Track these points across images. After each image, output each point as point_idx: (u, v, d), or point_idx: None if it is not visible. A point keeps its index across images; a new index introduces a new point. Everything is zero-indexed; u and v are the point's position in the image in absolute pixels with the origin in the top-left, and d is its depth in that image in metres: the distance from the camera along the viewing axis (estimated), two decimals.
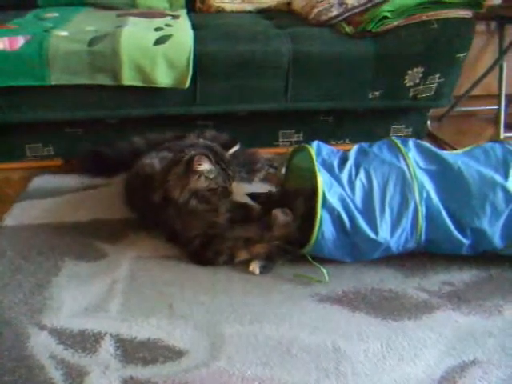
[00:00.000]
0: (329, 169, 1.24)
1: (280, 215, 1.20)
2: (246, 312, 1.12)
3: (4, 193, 1.64)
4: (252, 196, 1.34)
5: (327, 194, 1.15)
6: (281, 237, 1.22)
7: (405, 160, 1.24)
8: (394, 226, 1.18)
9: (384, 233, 1.17)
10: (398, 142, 1.30)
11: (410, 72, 1.74)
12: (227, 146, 1.34)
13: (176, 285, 1.20)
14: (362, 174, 1.22)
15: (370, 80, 1.75)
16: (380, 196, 1.19)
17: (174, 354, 1.02)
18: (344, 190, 1.19)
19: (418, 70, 1.74)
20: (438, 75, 1.76)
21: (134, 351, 1.02)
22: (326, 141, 1.46)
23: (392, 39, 1.71)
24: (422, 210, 1.18)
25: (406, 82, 1.76)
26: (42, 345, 1.03)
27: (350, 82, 1.75)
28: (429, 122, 2.05)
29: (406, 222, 1.18)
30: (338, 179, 1.21)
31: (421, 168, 1.24)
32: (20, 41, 1.59)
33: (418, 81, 1.76)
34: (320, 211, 1.14)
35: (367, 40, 1.71)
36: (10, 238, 1.37)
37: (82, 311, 1.12)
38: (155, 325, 1.09)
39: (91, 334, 1.06)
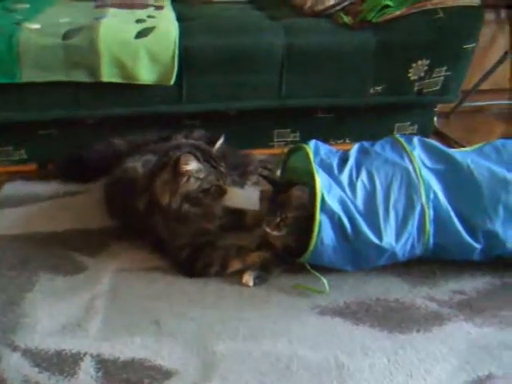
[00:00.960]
0: (328, 170, 1.25)
1: (297, 192, 1.19)
2: (240, 327, 1.13)
3: None
4: (264, 177, 1.33)
5: (326, 197, 1.17)
6: (293, 221, 1.21)
7: (410, 159, 1.26)
8: (400, 231, 1.19)
9: (388, 238, 1.18)
10: (402, 139, 1.32)
11: (414, 65, 1.77)
12: (212, 142, 1.35)
13: (163, 299, 1.20)
14: (363, 175, 1.23)
15: (372, 74, 1.77)
16: (383, 198, 1.20)
17: (161, 375, 1.01)
18: (344, 192, 1.21)
19: (423, 63, 1.76)
20: (444, 68, 1.78)
21: (116, 373, 1.02)
22: (325, 140, 1.48)
23: (394, 30, 1.73)
24: (429, 213, 1.20)
25: (410, 75, 1.79)
26: (14, 367, 1.02)
27: (349, 77, 1.77)
28: (435, 119, 2.07)
29: (412, 226, 1.20)
30: (338, 181, 1.22)
31: (427, 167, 1.26)
32: None
33: (423, 74, 1.79)
34: (319, 215, 1.15)
35: (367, 31, 1.74)
36: None
37: (59, 330, 1.12)
38: (140, 343, 1.08)
39: (69, 354, 1.05)
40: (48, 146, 1.78)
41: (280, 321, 1.15)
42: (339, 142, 1.95)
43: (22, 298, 1.20)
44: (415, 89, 1.82)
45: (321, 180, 1.18)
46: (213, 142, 1.35)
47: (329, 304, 1.20)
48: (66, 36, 1.60)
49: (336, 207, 1.17)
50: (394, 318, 1.16)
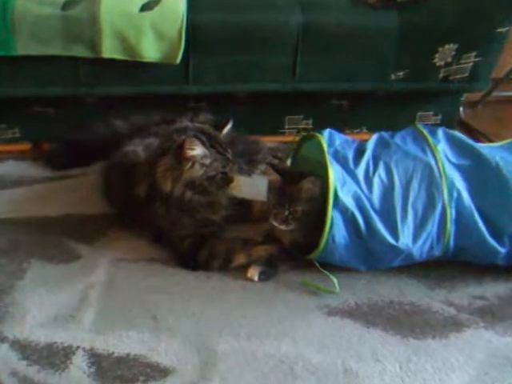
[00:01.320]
0: (342, 162, 1.24)
1: (307, 185, 1.19)
2: (243, 325, 1.13)
3: None
4: (272, 166, 1.31)
5: (339, 192, 1.16)
6: (302, 215, 1.20)
7: (433, 153, 1.25)
8: (418, 231, 1.19)
9: (405, 238, 1.17)
10: (426, 131, 1.31)
11: (440, 49, 1.74)
12: (219, 127, 1.35)
13: (162, 292, 1.21)
14: (381, 169, 1.23)
15: (393, 58, 1.75)
16: (402, 195, 1.20)
17: (157, 372, 1.03)
18: (359, 187, 1.20)
19: (451, 47, 1.74)
20: (474, 53, 1.76)
21: (110, 368, 1.03)
22: (340, 129, 1.47)
23: (420, 10, 1.71)
24: (451, 213, 1.19)
25: (435, 60, 1.77)
26: (1, 360, 1.04)
27: (369, 60, 1.76)
28: (461, 109, 2.05)
29: (432, 226, 1.19)
30: (353, 174, 1.22)
31: (451, 163, 1.24)
32: None
33: (449, 59, 1.76)
34: (331, 211, 1.15)
35: (391, 11, 1.71)
36: None
37: (51, 321, 1.13)
38: (136, 338, 1.10)
39: (60, 347, 1.07)
40: (43, 125, 1.79)
41: (285, 320, 1.15)
42: (355, 131, 1.94)
43: (12, 285, 1.22)
44: (441, 75, 1.80)
45: (334, 173, 1.18)
46: (220, 127, 1.35)
47: (338, 304, 1.20)
48: (65, 6, 1.59)
49: (350, 203, 1.16)
50: (409, 322, 1.16)
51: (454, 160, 1.25)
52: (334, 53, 1.73)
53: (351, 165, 1.24)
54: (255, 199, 1.45)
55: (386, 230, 1.17)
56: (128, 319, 1.14)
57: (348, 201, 1.16)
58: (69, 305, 1.17)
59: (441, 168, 1.22)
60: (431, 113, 1.96)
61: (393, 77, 1.79)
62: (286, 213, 1.21)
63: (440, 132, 1.31)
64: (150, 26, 1.61)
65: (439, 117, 1.96)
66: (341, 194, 1.16)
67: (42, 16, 1.58)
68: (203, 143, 1.24)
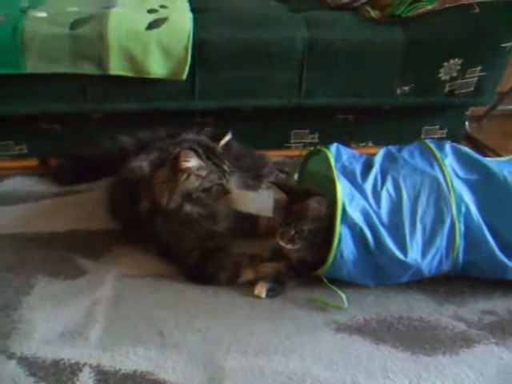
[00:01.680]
0: (350, 177, 1.25)
1: (313, 204, 1.18)
2: (251, 341, 1.13)
3: None
4: (277, 184, 1.30)
5: (347, 207, 1.16)
6: (309, 234, 1.19)
7: (440, 168, 1.25)
8: (427, 246, 1.18)
9: (414, 253, 1.17)
10: (433, 145, 1.31)
11: (445, 64, 1.76)
12: (217, 138, 1.36)
13: (168, 308, 1.21)
14: (389, 184, 1.23)
15: (399, 73, 1.77)
16: (410, 210, 1.20)
17: None
18: (368, 202, 1.20)
19: (456, 62, 1.75)
20: (479, 68, 1.77)
21: None
22: (346, 143, 1.48)
23: (425, 26, 1.72)
24: (459, 227, 1.19)
25: (440, 75, 1.78)
26: (9, 376, 1.04)
27: (374, 76, 1.77)
28: (467, 123, 2.06)
29: (441, 241, 1.19)
30: (361, 189, 1.22)
31: (459, 177, 1.24)
32: None
33: (455, 74, 1.78)
34: (339, 227, 1.14)
35: (396, 26, 1.73)
36: None
37: (57, 337, 1.13)
38: (143, 355, 1.09)
39: (67, 364, 1.07)
40: (50, 142, 1.81)
41: (293, 336, 1.15)
42: (361, 144, 1.94)
43: (19, 301, 1.22)
44: (446, 90, 1.81)
45: (342, 188, 1.18)
46: (218, 139, 1.36)
47: (347, 320, 1.19)
48: (73, 25, 1.63)
49: (358, 218, 1.16)
50: (418, 338, 1.15)
51: (461, 174, 1.25)
52: (340, 68, 1.74)
53: (359, 179, 1.24)
54: (261, 214, 1.45)
55: (395, 245, 1.17)
56: (134, 335, 1.14)
57: (356, 216, 1.16)
58: (75, 321, 1.17)
59: (449, 182, 1.22)
60: (437, 127, 1.96)
61: (398, 91, 1.80)
62: (292, 232, 1.20)
63: (447, 146, 1.32)
64: (156, 43, 1.64)
65: (445, 131, 1.97)
66: (349, 209, 1.16)
67: (51, 35, 1.61)
68: (198, 155, 1.25)
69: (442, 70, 1.77)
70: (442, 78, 1.78)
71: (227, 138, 1.37)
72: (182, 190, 1.25)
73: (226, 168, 1.29)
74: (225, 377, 1.04)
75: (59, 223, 1.51)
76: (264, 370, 1.06)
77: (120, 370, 1.06)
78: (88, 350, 1.10)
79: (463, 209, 1.20)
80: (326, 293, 1.23)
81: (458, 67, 1.76)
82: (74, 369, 1.06)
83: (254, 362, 1.08)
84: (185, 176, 1.24)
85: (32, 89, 1.67)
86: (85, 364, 1.07)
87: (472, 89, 1.81)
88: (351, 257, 1.17)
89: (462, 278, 1.29)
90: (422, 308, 1.24)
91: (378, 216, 1.18)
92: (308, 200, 1.19)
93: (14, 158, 1.83)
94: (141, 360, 1.08)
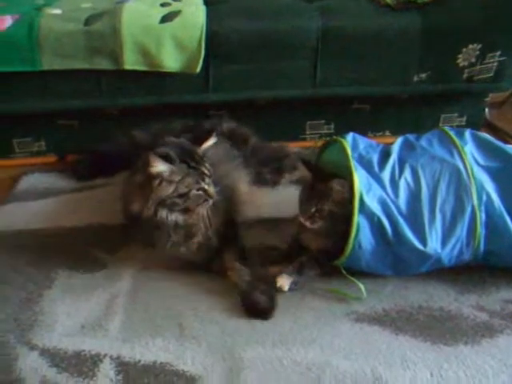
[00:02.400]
0: (367, 166, 1.23)
1: (337, 187, 1.18)
2: (270, 332, 1.13)
3: None
4: (304, 162, 1.30)
5: (365, 197, 1.15)
6: (329, 215, 1.19)
7: (460, 155, 1.23)
8: (447, 236, 1.17)
9: (434, 243, 1.16)
10: (452, 133, 1.29)
11: (464, 49, 1.73)
12: (199, 141, 1.26)
13: (186, 300, 1.22)
14: (407, 173, 1.21)
15: (416, 60, 1.74)
16: (429, 199, 1.18)
17: (184, 380, 1.03)
18: (385, 191, 1.19)
19: (475, 47, 1.72)
20: (498, 53, 1.73)
21: (137, 376, 1.04)
22: (362, 133, 1.45)
23: (442, 11, 1.70)
24: (480, 216, 1.17)
25: (459, 61, 1.75)
26: (32, 367, 1.06)
27: (391, 64, 1.75)
28: (486, 110, 2.02)
29: (462, 231, 1.17)
30: (379, 179, 1.21)
31: (480, 165, 1.22)
32: (7, 20, 1.65)
33: (473, 60, 1.74)
34: (357, 217, 1.14)
35: (412, 12, 1.71)
36: None
37: (78, 329, 1.15)
38: (162, 346, 1.10)
39: (88, 355, 1.08)
40: (68, 138, 1.83)
41: (312, 327, 1.15)
42: (378, 134, 1.92)
43: (40, 295, 1.24)
44: (464, 76, 1.78)
45: (359, 178, 1.17)
46: (200, 142, 1.26)
47: (366, 311, 1.19)
48: (87, 21, 1.64)
49: (375, 208, 1.15)
50: (439, 328, 1.14)
51: (482, 162, 1.23)
52: (355, 57, 1.73)
53: (376, 169, 1.23)
54: (284, 215, 1.42)
55: (414, 235, 1.15)
56: (153, 327, 1.15)
57: (374, 205, 1.15)
58: (95, 313, 1.19)
59: (469, 170, 1.20)
60: (455, 114, 1.93)
61: (415, 79, 1.77)
62: (313, 209, 1.20)
63: (467, 134, 1.29)
64: (170, 37, 1.64)
65: (464, 118, 1.94)
66: (366, 199, 1.15)
67: (66, 32, 1.63)
68: (168, 159, 1.16)
69: (460, 55, 1.74)
70: (461, 64, 1.75)
71: (211, 141, 1.27)
72: (154, 196, 1.17)
73: (205, 171, 1.21)
74: (244, 368, 1.05)
75: (78, 218, 1.53)
76: (283, 361, 1.06)
77: (140, 361, 1.07)
78: (108, 342, 1.11)
79: (484, 197, 1.18)
80: (344, 283, 1.23)
81: (477, 52, 1.73)
82: (95, 360, 1.07)
83: (273, 353, 1.08)
84: (157, 182, 1.17)
85: (48, 86, 1.69)
86: (105, 355, 1.08)
87: (491, 74, 1.78)
88: (369, 247, 1.16)
89: (483, 267, 1.28)
90: (443, 298, 1.22)
91: (396, 206, 1.17)
92: (332, 181, 1.18)
93: (33, 154, 1.86)
94: (160, 351, 1.09)
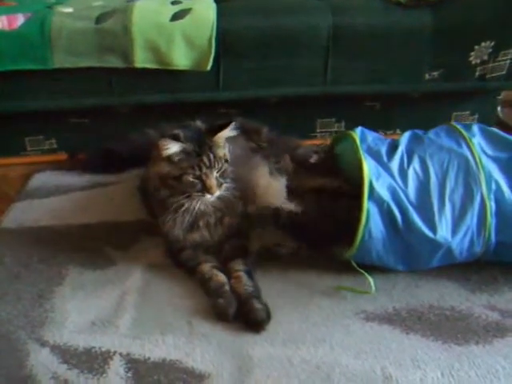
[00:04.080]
0: (376, 156, 1.23)
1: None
2: (279, 331, 1.13)
3: (1, 192, 1.70)
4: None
5: (375, 183, 1.14)
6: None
7: (468, 146, 1.22)
8: (457, 224, 1.15)
9: (444, 231, 1.14)
10: (459, 126, 1.29)
11: (476, 47, 1.71)
12: (213, 131, 1.22)
13: (196, 297, 1.22)
14: (415, 162, 1.21)
15: (427, 58, 1.73)
16: (438, 188, 1.17)
17: (193, 377, 1.03)
18: (394, 180, 1.18)
19: (487, 45, 1.70)
20: (511, 50, 1.72)
21: (147, 373, 1.04)
22: (373, 131, 1.45)
23: (454, 8, 1.69)
24: (490, 205, 1.16)
25: (471, 59, 1.73)
26: (43, 364, 1.06)
27: (402, 61, 1.74)
28: (499, 108, 2.00)
29: (472, 219, 1.15)
30: (387, 168, 1.20)
31: (488, 155, 1.22)
32: (19, 19, 1.66)
33: (486, 57, 1.73)
34: (366, 203, 1.12)
35: (423, 10, 1.70)
36: (8, 243, 1.42)
37: (89, 326, 1.15)
38: (172, 344, 1.10)
39: (99, 352, 1.09)
40: (80, 136, 1.84)
41: (322, 325, 1.14)
42: (389, 132, 1.91)
43: (52, 291, 1.25)
44: (477, 74, 1.76)
45: (369, 167, 1.16)
46: (214, 131, 1.22)
47: (376, 309, 1.18)
48: (98, 20, 1.65)
49: (385, 195, 1.14)
50: (450, 328, 1.13)
51: (490, 152, 1.22)
52: (366, 54, 1.72)
53: (385, 159, 1.23)
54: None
55: (424, 223, 1.14)
56: (163, 324, 1.15)
57: (383, 192, 1.15)
58: (106, 310, 1.19)
59: (477, 160, 1.19)
60: (467, 113, 1.91)
61: (427, 77, 1.76)
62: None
63: (475, 127, 1.29)
64: (180, 34, 1.64)
65: (476, 116, 1.92)
66: (376, 186, 1.14)
67: (77, 30, 1.64)
68: (178, 138, 1.16)
69: (472, 53, 1.72)
70: (473, 62, 1.74)
71: (227, 132, 1.22)
72: (155, 171, 1.22)
73: (204, 160, 1.17)
74: (253, 366, 1.04)
75: (89, 215, 1.53)
76: (292, 359, 1.06)
77: (149, 358, 1.07)
78: (118, 339, 1.11)
79: (493, 186, 1.17)
80: (353, 281, 1.22)
81: (490, 50, 1.71)
82: (105, 357, 1.07)
83: (283, 351, 1.07)
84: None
85: (60, 84, 1.70)
86: (115, 352, 1.08)
87: (504, 72, 1.76)
88: (380, 236, 1.14)
89: (495, 266, 1.26)
90: (454, 297, 1.21)
91: (406, 194, 1.16)
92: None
93: (44, 152, 1.87)
94: (170, 349, 1.09)
